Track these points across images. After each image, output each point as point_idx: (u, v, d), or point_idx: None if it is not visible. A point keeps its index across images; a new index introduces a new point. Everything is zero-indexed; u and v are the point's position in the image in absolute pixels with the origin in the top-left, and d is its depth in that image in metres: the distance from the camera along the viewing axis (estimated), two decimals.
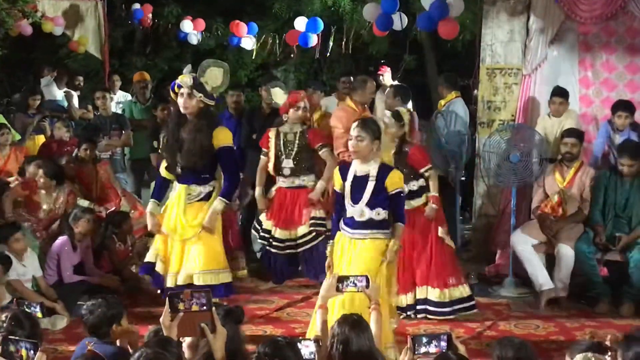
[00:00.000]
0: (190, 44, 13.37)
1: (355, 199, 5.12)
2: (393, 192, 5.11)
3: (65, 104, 10.26)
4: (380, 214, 5.10)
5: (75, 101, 10.56)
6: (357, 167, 5.17)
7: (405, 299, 6.25)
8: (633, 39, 7.37)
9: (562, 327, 6.15)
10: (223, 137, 5.78)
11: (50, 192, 7.08)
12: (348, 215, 5.17)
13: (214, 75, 5.85)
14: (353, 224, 5.14)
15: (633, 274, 6.40)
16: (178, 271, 5.75)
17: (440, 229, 6.27)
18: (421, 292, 6.23)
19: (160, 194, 6.04)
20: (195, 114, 5.68)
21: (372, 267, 4.97)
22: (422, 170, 6.24)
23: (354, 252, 5.11)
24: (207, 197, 5.79)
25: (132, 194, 8.34)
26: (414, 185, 6.25)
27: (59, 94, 10.50)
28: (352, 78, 8.08)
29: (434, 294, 6.17)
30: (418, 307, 6.22)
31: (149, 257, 5.98)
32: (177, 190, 5.85)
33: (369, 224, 5.11)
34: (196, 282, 5.63)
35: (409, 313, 6.23)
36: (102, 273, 6.80)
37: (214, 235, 5.79)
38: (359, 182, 5.12)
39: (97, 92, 9.14)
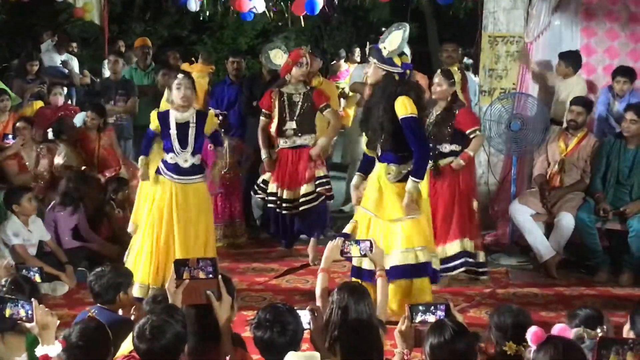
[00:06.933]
0: (190, 10, 13.25)
1: (183, 146, 5.60)
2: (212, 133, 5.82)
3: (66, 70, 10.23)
4: (199, 158, 5.69)
5: (76, 66, 10.49)
6: (177, 116, 5.61)
7: None
8: (637, 7, 7.32)
9: (561, 295, 6.17)
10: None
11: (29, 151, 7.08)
12: (172, 161, 5.62)
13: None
14: (178, 170, 5.61)
15: (632, 244, 6.40)
16: None
17: (475, 202, 6.22)
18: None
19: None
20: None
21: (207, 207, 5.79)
22: (469, 131, 6.07)
23: (181, 198, 5.62)
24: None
25: (133, 161, 8.33)
26: (446, 147, 6.12)
27: (59, 59, 10.43)
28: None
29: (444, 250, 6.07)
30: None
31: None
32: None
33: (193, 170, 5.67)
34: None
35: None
36: (101, 240, 6.79)
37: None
38: (183, 129, 5.59)
39: (110, 55, 9.07)
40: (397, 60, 5.19)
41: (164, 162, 5.67)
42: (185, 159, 5.63)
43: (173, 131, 5.60)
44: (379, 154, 5.33)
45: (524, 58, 7.52)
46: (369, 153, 5.45)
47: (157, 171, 5.69)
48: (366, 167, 5.52)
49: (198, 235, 5.66)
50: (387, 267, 4.95)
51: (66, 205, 6.60)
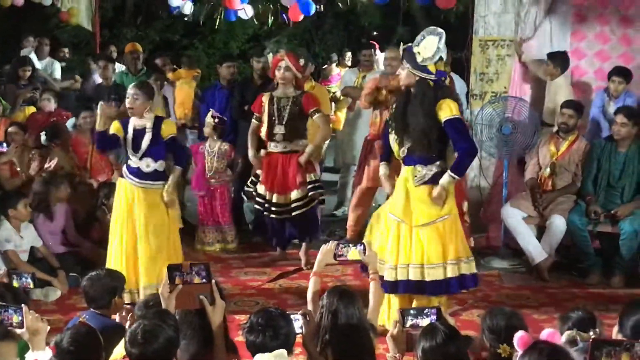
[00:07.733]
0: (181, 14, 13.26)
1: (135, 150, 5.74)
2: (168, 138, 5.77)
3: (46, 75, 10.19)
4: (163, 164, 5.80)
5: (58, 72, 10.44)
6: (135, 122, 5.77)
7: None
8: (627, 11, 7.33)
9: (553, 298, 6.18)
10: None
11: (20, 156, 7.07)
12: (134, 165, 5.74)
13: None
14: (139, 174, 5.75)
15: (624, 246, 6.42)
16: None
17: (465, 203, 6.19)
18: None
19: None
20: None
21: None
22: None
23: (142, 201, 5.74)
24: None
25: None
26: None
27: (39, 65, 10.36)
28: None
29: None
30: None
31: None
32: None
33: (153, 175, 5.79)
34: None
35: None
36: (88, 244, 6.77)
37: None
38: (139, 135, 5.74)
39: (100, 60, 9.06)
40: (431, 68, 5.11)
41: (127, 165, 5.82)
42: (147, 164, 5.75)
43: (129, 136, 5.76)
44: (407, 157, 5.27)
45: (517, 49, 7.51)
46: (399, 158, 5.38)
47: (120, 175, 5.89)
48: (389, 155, 5.50)
49: (159, 237, 5.77)
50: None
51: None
